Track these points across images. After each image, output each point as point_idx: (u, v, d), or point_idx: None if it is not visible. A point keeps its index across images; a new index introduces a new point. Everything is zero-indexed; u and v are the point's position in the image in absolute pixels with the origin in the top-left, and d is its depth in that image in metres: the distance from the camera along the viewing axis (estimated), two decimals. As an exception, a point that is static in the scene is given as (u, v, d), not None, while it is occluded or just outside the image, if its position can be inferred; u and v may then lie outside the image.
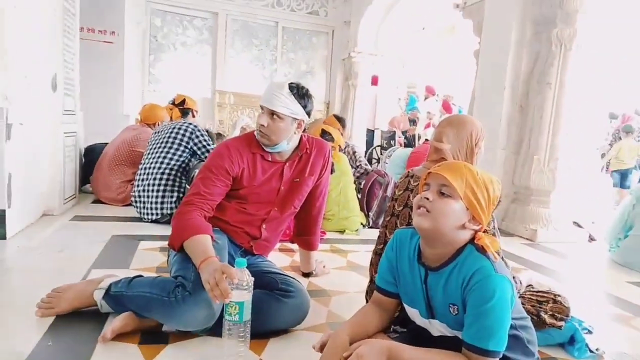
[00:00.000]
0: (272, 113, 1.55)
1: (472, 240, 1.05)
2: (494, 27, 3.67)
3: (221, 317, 1.26)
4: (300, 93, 1.59)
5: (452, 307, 1.04)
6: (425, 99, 8.97)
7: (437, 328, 1.11)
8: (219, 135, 4.12)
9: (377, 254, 1.62)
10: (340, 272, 2.18)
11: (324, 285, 1.95)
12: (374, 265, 1.64)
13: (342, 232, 2.92)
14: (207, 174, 1.55)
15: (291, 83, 1.60)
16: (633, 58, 7.98)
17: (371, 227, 3.09)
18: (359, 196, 3.20)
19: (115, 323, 1.32)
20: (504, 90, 3.48)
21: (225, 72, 7.83)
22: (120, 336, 1.31)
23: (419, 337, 1.15)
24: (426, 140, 4.80)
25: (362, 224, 3.03)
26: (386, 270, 1.19)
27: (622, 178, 6.11)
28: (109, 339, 1.29)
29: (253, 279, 1.24)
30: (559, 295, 1.56)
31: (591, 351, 1.48)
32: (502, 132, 3.51)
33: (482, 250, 1.02)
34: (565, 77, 3.25)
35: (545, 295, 1.56)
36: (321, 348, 1.12)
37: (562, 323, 1.49)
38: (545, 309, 1.51)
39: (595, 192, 4.11)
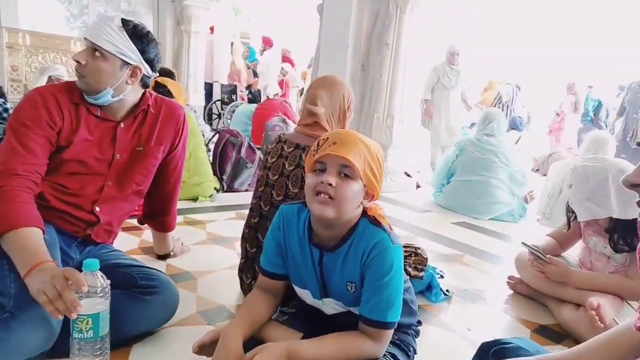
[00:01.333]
0: (95, 49, 1.21)
1: (363, 213, 1.00)
2: (337, -18, 3.66)
3: (61, 332, 0.98)
4: (137, 32, 1.27)
5: (350, 284, 0.99)
6: (263, 51, 8.77)
7: (330, 306, 1.06)
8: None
9: (252, 227, 1.48)
10: (201, 247, 1.96)
11: (186, 266, 1.72)
12: (247, 239, 1.50)
13: (194, 199, 2.65)
14: (20, 130, 1.15)
15: (127, 19, 1.27)
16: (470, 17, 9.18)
17: (226, 192, 2.89)
18: (210, 159, 2.93)
19: None
20: (347, 49, 3.56)
21: (14, 4, 6.15)
22: None
23: (310, 316, 1.09)
24: (273, 96, 4.69)
25: (215, 188, 2.80)
26: (274, 252, 1.06)
27: None
28: None
29: (109, 281, 0.98)
30: (418, 248, 1.69)
31: (444, 294, 1.67)
32: (347, 90, 3.63)
33: (375, 221, 0.99)
34: (401, 39, 3.48)
35: (407, 249, 1.68)
36: (200, 349, 0.96)
37: (422, 273, 1.63)
38: (410, 262, 1.63)
39: (419, 144, 4.70)
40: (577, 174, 1.47)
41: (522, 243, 1.60)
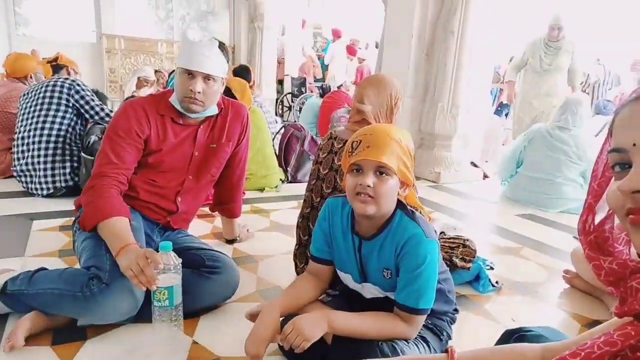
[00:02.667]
0: (207, 77, 1.42)
1: (399, 203, 1.08)
2: (401, -28, 3.65)
3: (145, 302, 1.19)
4: (224, 49, 1.48)
5: (386, 271, 1.08)
6: (332, 42, 8.88)
7: (369, 291, 1.16)
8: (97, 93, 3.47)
9: (304, 217, 1.62)
10: (264, 234, 2.16)
11: (249, 250, 1.92)
12: (300, 228, 1.65)
13: (261, 190, 2.87)
14: (114, 139, 1.38)
15: (213, 39, 1.46)
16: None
17: (290, 182, 3.09)
18: (276, 152, 3.14)
19: (22, 326, 1.17)
20: (412, 38, 3.55)
21: (111, 12, 6.91)
22: (27, 339, 1.17)
23: (351, 299, 1.20)
24: (338, 87, 4.80)
25: (281, 179, 3.00)
26: (321, 240, 1.19)
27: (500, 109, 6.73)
28: (22, 344, 1.14)
29: (180, 260, 1.17)
30: (467, 240, 1.72)
31: (493, 285, 1.69)
32: (410, 80, 3.63)
33: (410, 214, 1.07)
34: (467, 27, 3.39)
35: (455, 241, 1.71)
36: (251, 317, 1.11)
37: (470, 265, 1.66)
38: (457, 254, 1.67)
39: (488, 133, 4.51)
40: None
41: (574, 237, 1.55)
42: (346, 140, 1.55)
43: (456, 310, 1.24)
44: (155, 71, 5.67)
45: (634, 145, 0.49)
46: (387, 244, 1.06)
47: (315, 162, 1.62)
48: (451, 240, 1.70)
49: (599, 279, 0.56)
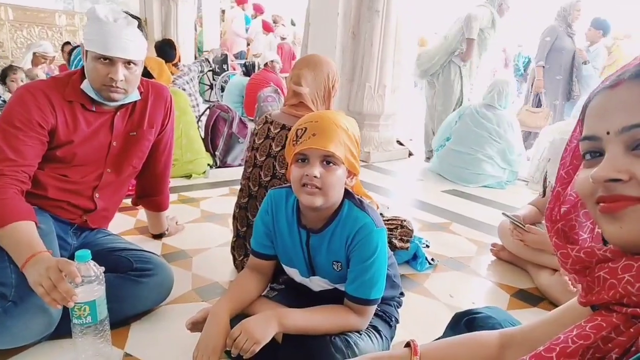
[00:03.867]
0: (129, 62, 1.25)
1: (347, 193, 1.04)
2: (324, -53, 3.55)
3: (63, 314, 1.05)
4: (142, 28, 1.29)
5: (336, 264, 1.04)
6: (254, 18, 8.55)
7: (317, 284, 1.11)
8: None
9: (242, 207, 1.53)
10: (195, 225, 2.02)
11: (180, 244, 1.78)
12: (238, 219, 1.55)
13: (188, 176, 2.68)
14: (10, 131, 1.17)
15: (130, 15, 1.27)
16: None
17: (219, 167, 2.93)
18: (202, 135, 2.94)
19: None
20: (337, 17, 3.49)
21: (-7, -24, 5.96)
22: None
23: (298, 292, 1.15)
24: (265, 65, 4.64)
25: (209, 164, 2.83)
26: (262, 234, 1.11)
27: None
28: None
29: (103, 268, 1.03)
30: (404, 220, 1.75)
31: (429, 263, 1.74)
32: (337, 60, 3.58)
33: (359, 203, 1.03)
34: (391, 6, 3.41)
35: (394, 222, 1.73)
36: (194, 326, 1.03)
37: (408, 245, 1.70)
38: (396, 235, 1.69)
39: (412, 110, 4.67)
40: (556, 148, 1.50)
41: (503, 214, 1.65)
42: (283, 125, 1.47)
43: (402, 293, 1.24)
44: (66, 43, 5.03)
45: (608, 133, 0.48)
46: (336, 235, 1.02)
47: (251, 148, 1.52)
48: (389, 221, 1.72)
49: (563, 267, 0.56)
